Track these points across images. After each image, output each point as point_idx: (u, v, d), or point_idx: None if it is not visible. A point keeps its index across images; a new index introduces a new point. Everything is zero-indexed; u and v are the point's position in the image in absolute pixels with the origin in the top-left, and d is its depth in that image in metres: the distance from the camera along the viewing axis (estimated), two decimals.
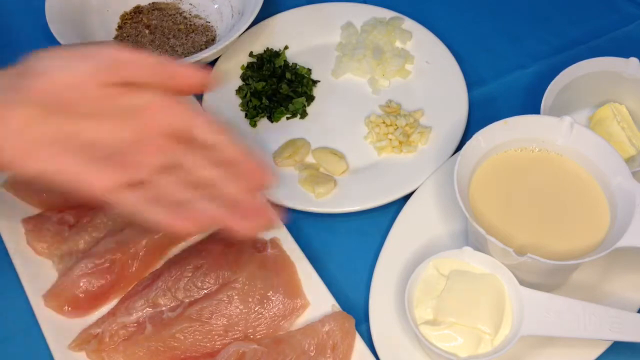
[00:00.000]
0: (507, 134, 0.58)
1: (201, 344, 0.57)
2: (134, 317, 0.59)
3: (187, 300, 0.59)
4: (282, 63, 0.76)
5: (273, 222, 0.50)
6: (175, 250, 0.64)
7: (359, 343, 0.57)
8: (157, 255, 0.63)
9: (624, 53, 0.66)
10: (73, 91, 0.46)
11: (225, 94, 0.75)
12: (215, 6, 0.83)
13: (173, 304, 0.59)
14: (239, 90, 0.75)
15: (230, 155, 0.49)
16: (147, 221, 0.47)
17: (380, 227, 0.66)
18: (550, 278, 0.57)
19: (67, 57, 0.46)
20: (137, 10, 0.83)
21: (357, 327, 0.58)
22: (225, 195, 0.48)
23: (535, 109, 0.62)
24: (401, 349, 0.58)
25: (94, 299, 0.60)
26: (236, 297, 0.59)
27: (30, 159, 0.45)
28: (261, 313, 0.59)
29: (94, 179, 0.46)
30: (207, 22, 0.82)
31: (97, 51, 0.46)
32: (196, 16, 0.83)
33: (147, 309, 0.59)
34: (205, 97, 0.74)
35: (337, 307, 0.59)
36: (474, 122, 0.72)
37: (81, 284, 0.60)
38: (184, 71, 0.48)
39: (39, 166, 0.45)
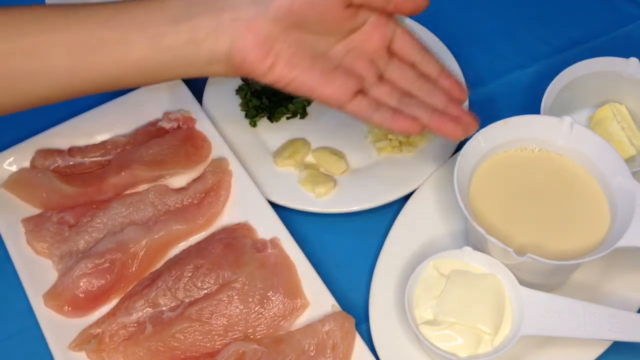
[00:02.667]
0: (507, 134, 0.58)
1: (201, 344, 0.58)
2: (134, 317, 0.59)
3: (187, 300, 0.59)
4: None
5: (475, 126, 0.56)
6: (175, 250, 0.64)
7: (359, 343, 0.57)
8: (157, 255, 0.63)
9: (624, 53, 0.66)
10: (313, 10, 0.51)
11: (225, 94, 0.75)
12: None
13: (173, 304, 0.59)
14: (239, 90, 0.75)
15: (431, 70, 0.57)
16: (373, 124, 0.55)
17: (380, 227, 0.66)
18: (550, 278, 0.57)
19: None
20: None
21: (357, 327, 0.58)
22: (430, 105, 0.55)
23: (535, 109, 0.62)
24: (401, 349, 0.58)
25: (94, 299, 0.60)
26: (236, 297, 0.59)
27: (269, 70, 0.52)
28: (261, 313, 0.59)
29: (328, 90, 0.53)
30: None
31: None
32: None
33: (147, 309, 0.59)
34: (205, 96, 0.74)
35: (337, 307, 0.59)
36: None
37: (81, 284, 0.60)
38: None
39: (275, 76, 0.52)
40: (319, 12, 0.52)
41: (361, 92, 0.54)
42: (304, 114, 0.74)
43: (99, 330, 0.58)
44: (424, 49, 0.57)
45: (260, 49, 0.51)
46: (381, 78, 0.56)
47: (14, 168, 0.67)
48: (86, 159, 0.68)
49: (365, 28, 0.55)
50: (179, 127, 0.70)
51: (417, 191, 0.66)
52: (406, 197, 0.66)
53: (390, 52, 0.57)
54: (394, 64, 0.56)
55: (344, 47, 0.55)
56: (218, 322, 0.58)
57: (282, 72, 0.52)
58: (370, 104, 0.54)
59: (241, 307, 0.58)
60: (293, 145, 0.70)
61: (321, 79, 0.53)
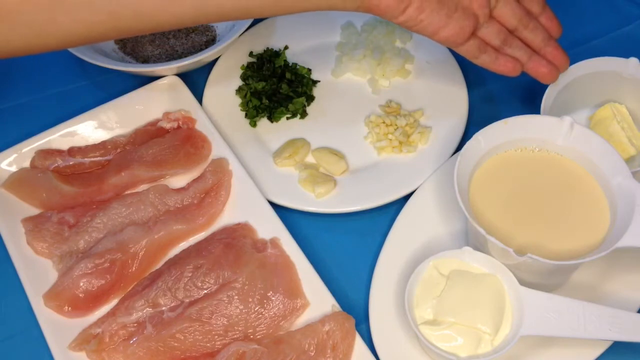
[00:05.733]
0: (507, 134, 0.58)
1: (201, 344, 0.58)
2: (134, 317, 0.59)
3: (187, 300, 0.59)
4: (282, 63, 0.76)
5: (568, 64, 0.62)
6: (175, 250, 0.64)
7: (359, 343, 0.57)
8: (157, 255, 0.63)
9: (624, 53, 0.66)
10: None
11: (225, 94, 0.75)
12: None
13: (173, 304, 0.59)
14: (239, 90, 0.75)
15: (535, 7, 0.61)
16: (477, 64, 0.60)
17: (380, 227, 0.66)
18: (550, 278, 0.57)
19: None
20: None
21: (357, 327, 0.58)
22: (531, 42, 0.60)
23: (535, 109, 0.62)
24: (401, 349, 0.58)
25: (94, 299, 0.60)
26: (236, 297, 0.59)
27: (402, 12, 0.55)
28: (261, 313, 0.59)
29: (450, 32, 0.56)
30: None
31: None
32: None
33: (147, 309, 0.59)
34: (205, 96, 0.74)
35: (337, 307, 0.59)
36: (474, 122, 0.72)
37: (81, 284, 0.60)
38: None
39: (406, 17, 0.55)
40: None
41: (473, 32, 0.58)
42: (304, 114, 0.74)
43: (99, 330, 0.58)
44: None
45: None
46: (491, 14, 0.59)
47: (14, 168, 0.67)
48: (86, 159, 0.68)
49: None
50: (179, 127, 0.70)
51: (417, 191, 0.66)
52: (406, 197, 0.66)
53: None
54: (504, 0, 0.59)
55: None
56: (218, 322, 0.58)
57: (413, 14, 0.55)
58: (479, 45, 0.58)
59: (241, 307, 0.58)
60: (293, 145, 0.70)
61: (445, 21, 0.56)
